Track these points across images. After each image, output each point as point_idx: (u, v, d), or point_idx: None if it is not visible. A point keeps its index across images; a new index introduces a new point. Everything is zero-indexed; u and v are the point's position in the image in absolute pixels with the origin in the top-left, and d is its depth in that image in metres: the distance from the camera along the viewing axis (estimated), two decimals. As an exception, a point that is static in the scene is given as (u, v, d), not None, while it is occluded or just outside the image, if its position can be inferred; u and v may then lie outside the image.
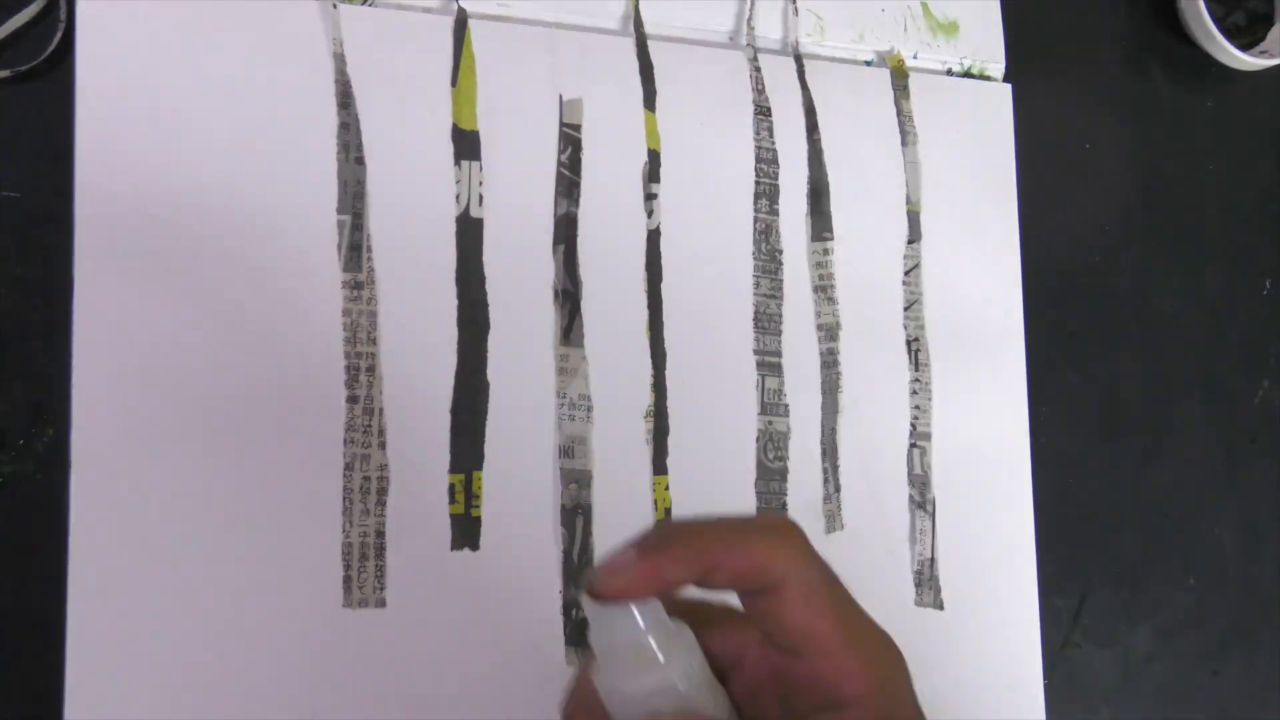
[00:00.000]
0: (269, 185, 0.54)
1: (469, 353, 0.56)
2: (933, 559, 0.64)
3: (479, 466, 0.56)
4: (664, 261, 0.61)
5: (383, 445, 0.55)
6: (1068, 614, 0.68)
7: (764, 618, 0.32)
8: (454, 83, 0.58)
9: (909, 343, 0.65)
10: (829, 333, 0.63)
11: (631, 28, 0.62)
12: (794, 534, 0.33)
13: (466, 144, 0.58)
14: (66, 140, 0.51)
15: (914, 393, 0.65)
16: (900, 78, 0.67)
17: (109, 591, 0.50)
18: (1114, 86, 0.74)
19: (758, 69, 0.64)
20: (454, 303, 0.57)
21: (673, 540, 0.32)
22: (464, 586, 0.55)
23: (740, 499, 0.61)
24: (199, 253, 0.53)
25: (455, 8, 0.58)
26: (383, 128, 0.56)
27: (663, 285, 0.60)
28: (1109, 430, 0.71)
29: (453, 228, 0.57)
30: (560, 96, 0.60)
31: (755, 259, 0.62)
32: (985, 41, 0.70)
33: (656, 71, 0.62)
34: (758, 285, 0.62)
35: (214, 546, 0.52)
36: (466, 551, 0.55)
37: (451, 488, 0.56)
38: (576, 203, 0.59)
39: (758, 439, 0.61)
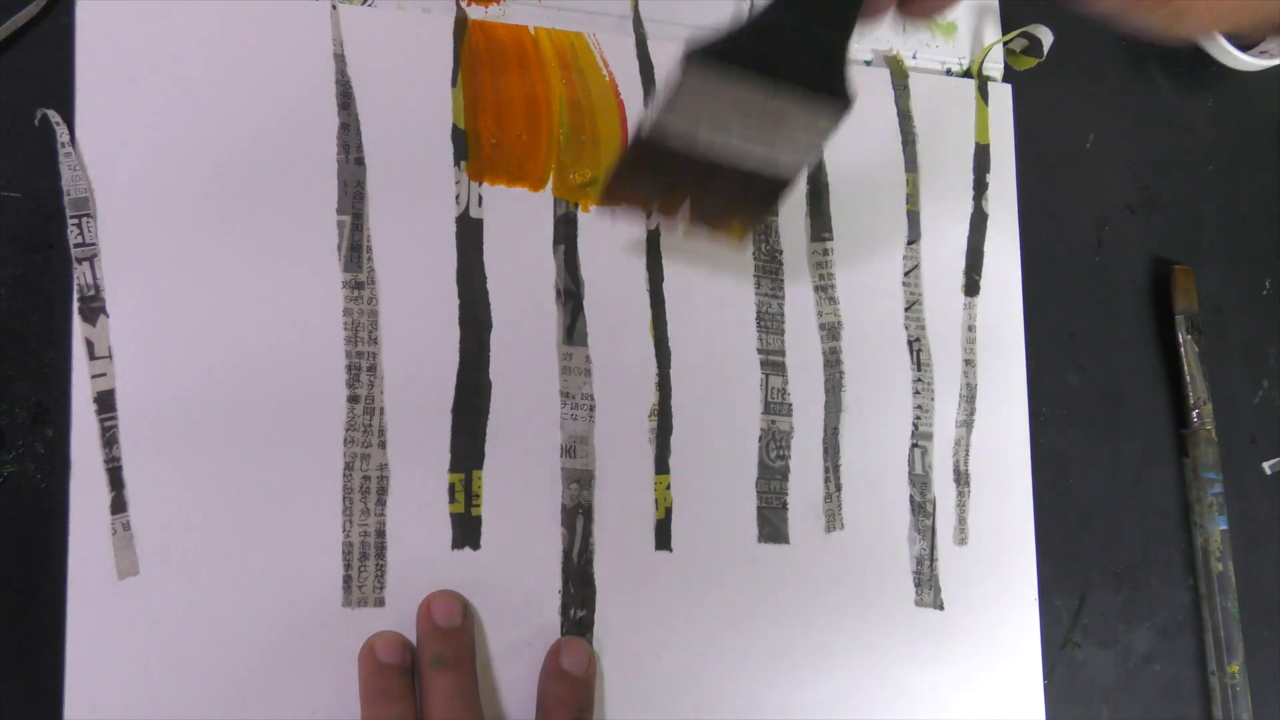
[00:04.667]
0: (269, 186, 0.54)
1: (471, 351, 0.57)
2: (933, 559, 0.64)
3: (479, 466, 0.56)
4: (665, 261, 0.61)
5: (383, 445, 0.55)
6: (1068, 614, 0.68)
7: None
8: (454, 83, 0.58)
9: (910, 343, 0.65)
10: (831, 332, 0.63)
11: (631, 28, 0.62)
12: None
13: (466, 145, 0.58)
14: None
15: (916, 393, 0.65)
16: (900, 78, 0.67)
17: (109, 591, 0.50)
18: (1114, 86, 0.74)
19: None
20: (455, 302, 0.57)
21: None
22: (464, 586, 0.55)
23: (741, 498, 0.61)
24: (199, 253, 0.53)
25: (455, 8, 0.58)
26: (383, 128, 0.56)
27: (664, 285, 0.61)
28: (1109, 430, 0.71)
29: (453, 228, 0.57)
30: (559, 97, 0.60)
31: (755, 259, 0.63)
32: (984, 41, 0.70)
33: (656, 71, 0.62)
34: (759, 285, 0.62)
35: (214, 546, 0.52)
36: (467, 551, 0.55)
37: (451, 487, 0.56)
38: (576, 202, 0.59)
39: (760, 438, 0.61)
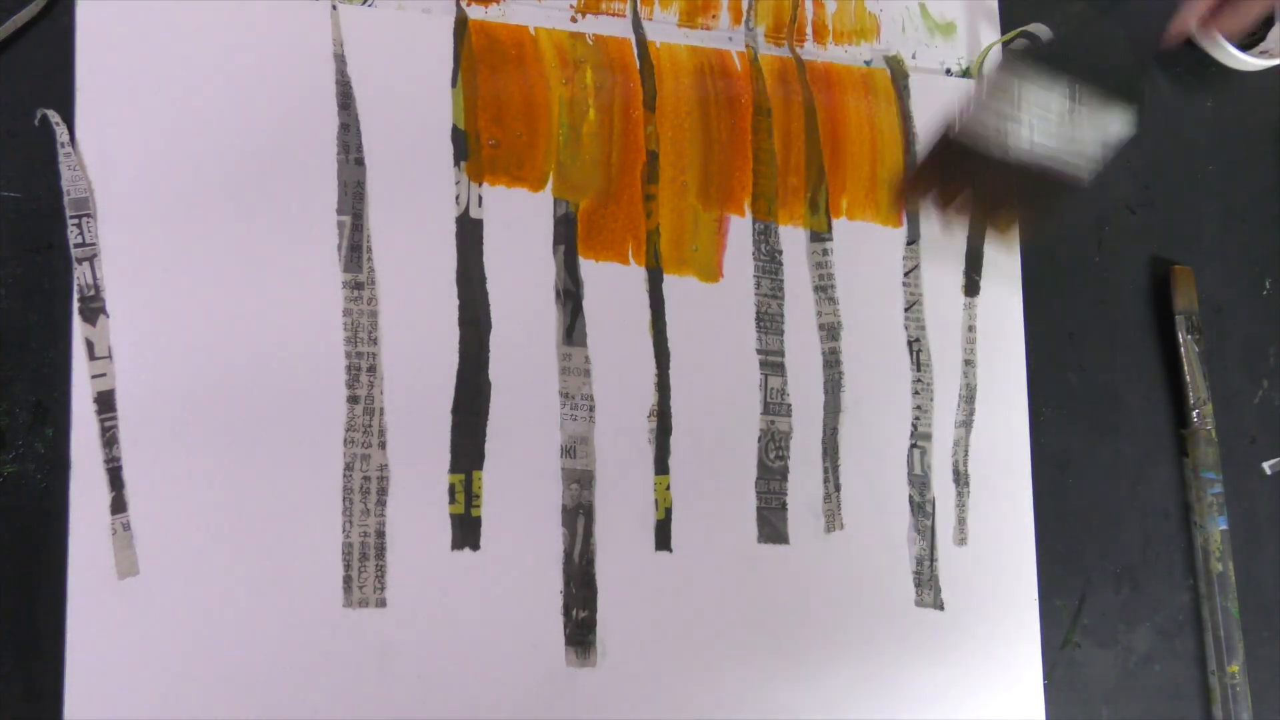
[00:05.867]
0: (269, 186, 0.54)
1: (470, 352, 0.57)
2: (932, 559, 0.64)
3: (479, 466, 0.56)
4: (664, 261, 0.61)
5: (383, 445, 0.55)
6: (1068, 614, 0.68)
7: None
8: (454, 83, 0.58)
9: (910, 343, 0.65)
10: (830, 332, 0.63)
11: (631, 28, 0.62)
12: None
13: (466, 145, 0.58)
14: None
15: (916, 393, 0.65)
16: (900, 78, 0.67)
17: (109, 591, 0.50)
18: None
19: (758, 69, 0.64)
20: (455, 302, 0.57)
21: None
22: (464, 586, 0.55)
23: (740, 499, 0.61)
24: (199, 253, 0.53)
25: (455, 8, 0.59)
26: (383, 128, 0.56)
27: (664, 285, 0.61)
28: (1109, 430, 0.71)
29: (453, 228, 0.57)
30: (559, 97, 0.60)
31: (755, 259, 0.63)
32: (983, 41, 0.70)
33: (657, 71, 0.62)
34: (759, 285, 0.62)
35: (214, 546, 0.52)
36: (467, 551, 0.55)
37: (452, 488, 0.56)
38: (576, 204, 0.59)
39: (759, 438, 0.61)
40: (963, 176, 0.54)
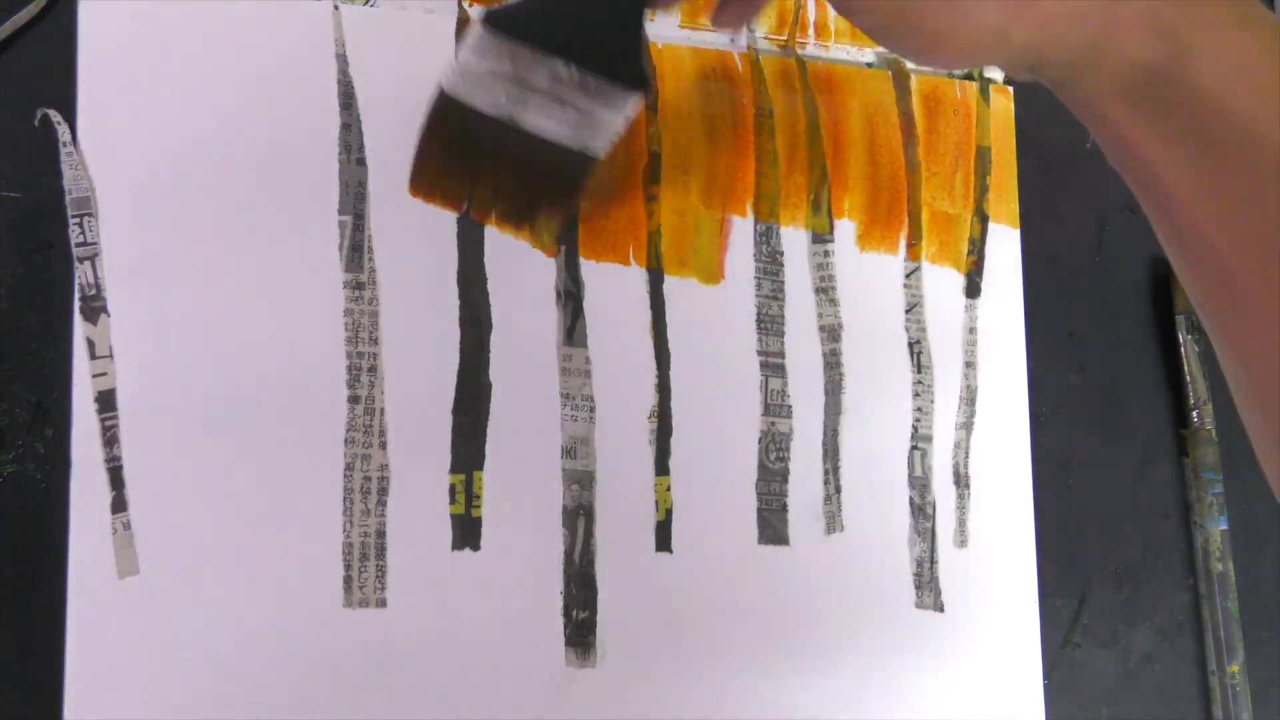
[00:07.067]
0: (271, 186, 0.54)
1: (471, 353, 0.57)
2: (933, 561, 0.64)
3: (480, 467, 0.56)
4: (665, 262, 0.61)
5: (383, 445, 0.55)
6: (1068, 614, 0.68)
7: None
8: (455, 83, 0.58)
9: (911, 345, 0.65)
10: (831, 334, 0.63)
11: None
12: None
13: (468, 144, 0.58)
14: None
15: (916, 395, 0.65)
16: (901, 79, 0.67)
17: (109, 591, 0.50)
18: (1115, 87, 0.74)
19: (758, 69, 0.64)
20: (456, 303, 0.57)
21: None
22: (464, 586, 0.55)
23: (741, 500, 0.61)
24: (201, 253, 0.53)
25: (458, 9, 0.58)
26: (385, 128, 0.56)
27: (665, 286, 0.61)
28: (1109, 430, 0.71)
29: (454, 229, 0.57)
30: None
31: (757, 260, 0.62)
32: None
33: (659, 72, 0.62)
34: (759, 286, 0.62)
35: (214, 546, 0.52)
36: (467, 552, 0.55)
37: (452, 488, 0.56)
38: (577, 205, 0.59)
39: (760, 439, 0.61)
40: (472, 159, 0.49)
